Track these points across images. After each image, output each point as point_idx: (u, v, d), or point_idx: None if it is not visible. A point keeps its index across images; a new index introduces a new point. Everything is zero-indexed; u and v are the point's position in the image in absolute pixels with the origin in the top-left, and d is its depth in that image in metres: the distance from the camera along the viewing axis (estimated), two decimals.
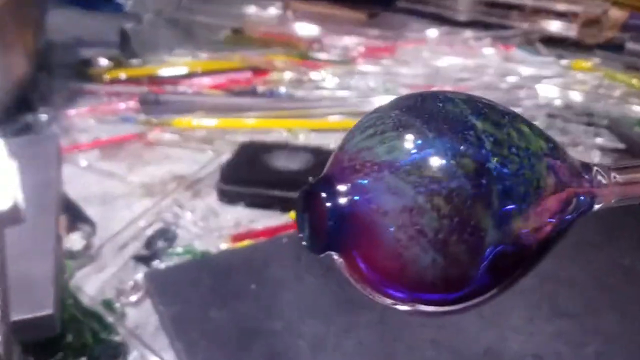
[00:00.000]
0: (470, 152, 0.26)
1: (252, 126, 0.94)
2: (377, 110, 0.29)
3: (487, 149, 0.26)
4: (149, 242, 0.71)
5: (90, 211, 0.74)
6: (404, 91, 0.96)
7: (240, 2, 1.23)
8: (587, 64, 1.10)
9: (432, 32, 1.19)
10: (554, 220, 0.28)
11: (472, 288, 0.27)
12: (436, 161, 0.26)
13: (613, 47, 1.15)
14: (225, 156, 0.85)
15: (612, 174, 0.30)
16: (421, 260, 0.26)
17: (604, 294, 0.64)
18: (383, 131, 0.27)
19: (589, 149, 0.90)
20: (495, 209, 0.26)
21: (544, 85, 1.02)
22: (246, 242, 0.71)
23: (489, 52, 1.12)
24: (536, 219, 0.27)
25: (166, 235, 0.72)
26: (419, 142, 0.26)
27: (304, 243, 0.29)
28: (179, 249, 0.71)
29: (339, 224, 0.27)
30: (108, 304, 0.63)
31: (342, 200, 0.27)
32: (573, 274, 0.66)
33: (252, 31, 1.18)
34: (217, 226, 0.74)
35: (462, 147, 0.26)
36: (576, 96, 1.00)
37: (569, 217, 0.29)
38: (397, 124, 0.27)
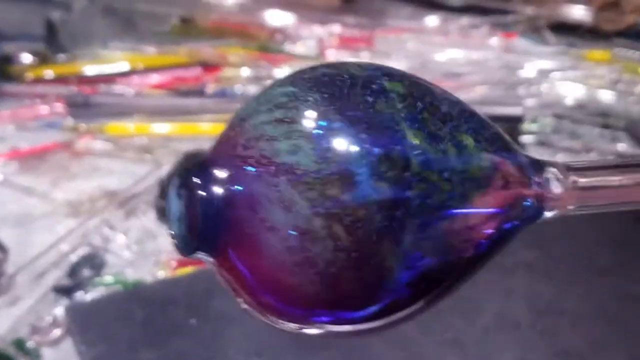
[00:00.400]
0: (390, 176, 0.25)
1: (200, 132, 0.94)
2: (295, 80, 0.28)
3: (412, 172, 0.26)
4: (73, 270, 0.71)
5: (4, 234, 0.74)
6: None
7: None
8: (603, 54, 1.10)
9: (418, 19, 1.19)
10: (489, 231, 0.28)
11: (387, 303, 0.27)
12: (346, 180, 0.25)
13: (634, 35, 1.15)
14: (166, 168, 0.85)
15: (571, 176, 0.30)
16: (310, 287, 0.26)
17: (611, 329, 0.65)
18: (293, 120, 0.26)
19: (605, 156, 0.91)
20: (407, 247, 0.26)
21: (551, 80, 1.03)
22: (187, 269, 0.71)
23: (486, 41, 1.13)
24: (466, 232, 0.27)
25: (93, 261, 0.73)
26: None
27: (172, 239, 0.28)
28: (108, 278, 0.71)
29: (212, 219, 0.26)
30: (20, 344, 0.63)
31: (218, 190, 0.26)
32: (576, 305, 0.67)
33: (204, 20, 1.18)
34: (154, 250, 0.75)
35: (381, 168, 0.25)
36: (590, 93, 1.02)
37: (508, 225, 0.29)
38: None
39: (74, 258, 0.73)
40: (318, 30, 1.15)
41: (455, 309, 0.65)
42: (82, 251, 0.74)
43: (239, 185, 0.26)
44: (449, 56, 1.07)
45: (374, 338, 0.62)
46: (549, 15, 1.20)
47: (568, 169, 0.30)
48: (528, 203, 0.29)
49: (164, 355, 0.61)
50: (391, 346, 0.62)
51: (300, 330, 0.28)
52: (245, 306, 0.28)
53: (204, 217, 0.26)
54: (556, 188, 0.29)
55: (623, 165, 0.31)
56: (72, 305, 0.67)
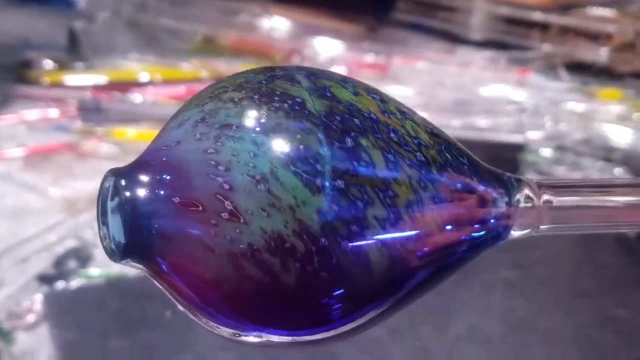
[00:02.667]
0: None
1: None
2: (249, 79, 0.27)
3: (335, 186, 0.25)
4: (58, 261, 0.72)
5: None
6: None
7: (215, 6, 1.25)
8: (615, 93, 1.10)
9: (435, 48, 1.21)
10: (437, 254, 0.27)
11: (322, 320, 0.26)
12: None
13: None
14: None
15: (544, 195, 0.28)
16: (244, 302, 0.25)
17: (585, 349, 0.64)
18: (239, 126, 0.25)
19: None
20: (337, 265, 0.25)
21: (558, 113, 1.03)
22: None
23: (499, 74, 1.13)
24: (409, 256, 0.26)
25: (79, 254, 0.73)
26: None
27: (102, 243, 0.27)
28: (92, 271, 0.71)
29: (136, 224, 0.25)
30: None
31: (140, 194, 0.25)
32: (554, 324, 0.66)
33: (225, 39, 1.20)
34: None
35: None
36: (596, 128, 1.01)
37: (463, 249, 0.27)
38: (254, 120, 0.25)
39: (61, 250, 0.73)
40: (334, 53, 1.16)
41: (430, 319, 0.64)
42: (70, 243, 0.74)
43: (163, 191, 0.25)
44: (458, 85, 1.08)
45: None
46: (565, 53, 1.20)
47: (540, 186, 0.29)
48: (492, 222, 0.28)
49: (133, 345, 0.61)
50: (360, 350, 0.61)
51: (237, 338, 0.27)
52: (182, 309, 0.27)
53: (128, 221, 0.25)
54: (526, 207, 0.28)
55: (599, 185, 0.30)
56: (50, 292, 0.67)
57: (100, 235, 0.27)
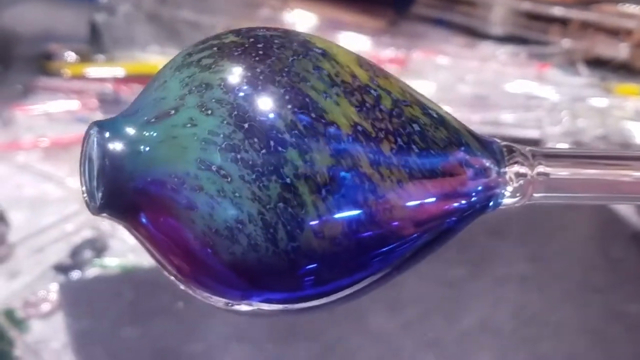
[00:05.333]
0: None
1: None
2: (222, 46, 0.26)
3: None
4: (75, 251, 0.72)
5: (17, 215, 0.76)
6: None
7: (238, 1, 1.25)
8: (633, 88, 1.09)
9: (455, 43, 1.20)
10: (424, 226, 0.26)
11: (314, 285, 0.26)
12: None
13: None
14: None
15: (537, 163, 0.28)
16: (232, 265, 0.25)
17: (595, 344, 0.64)
18: (232, 114, 0.24)
19: None
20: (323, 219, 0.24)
21: (576, 109, 1.02)
22: None
23: (519, 69, 1.13)
24: (395, 226, 0.25)
25: (95, 244, 0.73)
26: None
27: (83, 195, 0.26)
28: (109, 261, 0.72)
29: (117, 177, 0.24)
30: (9, 315, 0.64)
31: (120, 146, 0.24)
32: (563, 318, 0.66)
33: None
34: None
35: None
36: (614, 124, 1.01)
37: (451, 219, 0.27)
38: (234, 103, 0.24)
39: (77, 240, 0.74)
40: (352, 47, 1.14)
41: (441, 311, 0.65)
42: (87, 234, 0.75)
43: (147, 146, 0.24)
44: (478, 79, 1.07)
45: (354, 332, 0.62)
46: (585, 49, 1.19)
47: (534, 155, 0.28)
48: (480, 192, 0.27)
49: (145, 333, 0.62)
50: (371, 340, 0.61)
51: (230, 307, 0.26)
52: (170, 277, 0.27)
53: (108, 175, 0.24)
54: (517, 176, 0.27)
55: (595, 156, 0.28)
56: (66, 281, 0.68)
57: (81, 188, 0.26)
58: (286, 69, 0.25)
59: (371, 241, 0.25)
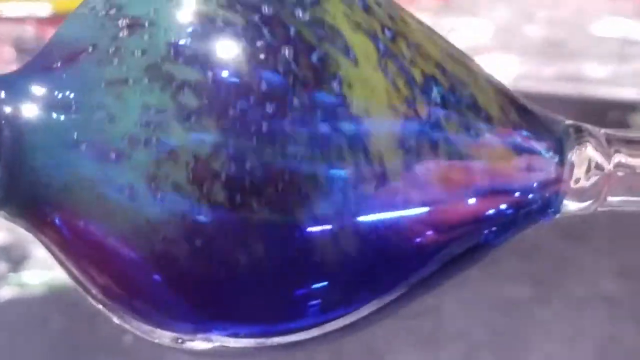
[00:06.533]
0: None
1: None
2: None
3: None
4: None
5: None
6: None
7: None
8: None
9: None
10: (450, 235, 0.25)
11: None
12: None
13: None
14: None
15: (615, 153, 0.26)
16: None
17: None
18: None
19: None
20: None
21: None
22: None
23: (610, 3, 1.10)
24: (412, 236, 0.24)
25: (9, 253, 0.71)
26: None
27: None
28: (29, 277, 0.69)
29: (16, 159, 0.23)
30: None
31: (29, 113, 0.23)
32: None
33: None
34: None
35: None
36: None
37: (490, 230, 0.26)
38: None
39: None
40: None
41: (493, 347, 0.65)
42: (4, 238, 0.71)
43: (63, 114, 0.23)
44: (548, 17, 1.06)
45: None
46: None
47: (610, 141, 0.26)
48: (534, 190, 0.26)
49: None
50: None
51: (180, 344, 0.25)
52: (97, 305, 0.26)
53: (5, 152, 0.23)
54: (588, 168, 0.26)
55: None
56: None
57: None
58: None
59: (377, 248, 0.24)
